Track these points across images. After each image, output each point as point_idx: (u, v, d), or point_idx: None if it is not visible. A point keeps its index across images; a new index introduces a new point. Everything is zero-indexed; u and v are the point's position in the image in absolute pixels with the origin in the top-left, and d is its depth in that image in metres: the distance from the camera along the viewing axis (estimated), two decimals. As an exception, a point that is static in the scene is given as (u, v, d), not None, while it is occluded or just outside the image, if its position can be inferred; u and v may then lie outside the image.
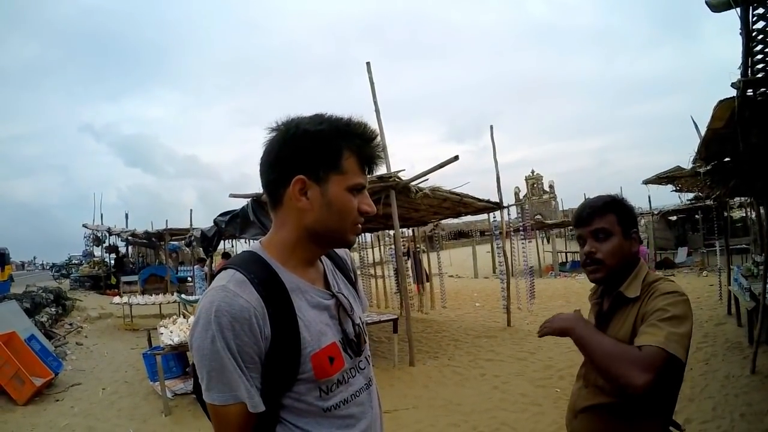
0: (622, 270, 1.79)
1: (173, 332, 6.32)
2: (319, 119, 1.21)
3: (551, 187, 52.23)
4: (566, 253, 29.91)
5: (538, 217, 26.76)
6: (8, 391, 6.43)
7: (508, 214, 12.28)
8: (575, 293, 14.23)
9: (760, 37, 2.54)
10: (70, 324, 12.26)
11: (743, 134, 3.55)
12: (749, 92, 3.12)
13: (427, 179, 7.68)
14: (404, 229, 13.66)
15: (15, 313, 8.65)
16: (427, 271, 14.18)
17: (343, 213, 1.23)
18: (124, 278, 19.26)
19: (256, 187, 7.15)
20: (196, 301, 11.90)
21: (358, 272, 1.57)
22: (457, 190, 8.78)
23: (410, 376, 6.82)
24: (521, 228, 13.13)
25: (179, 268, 21.62)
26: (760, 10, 2.31)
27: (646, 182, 9.29)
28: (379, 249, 16.02)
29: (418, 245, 15.06)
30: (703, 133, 4.66)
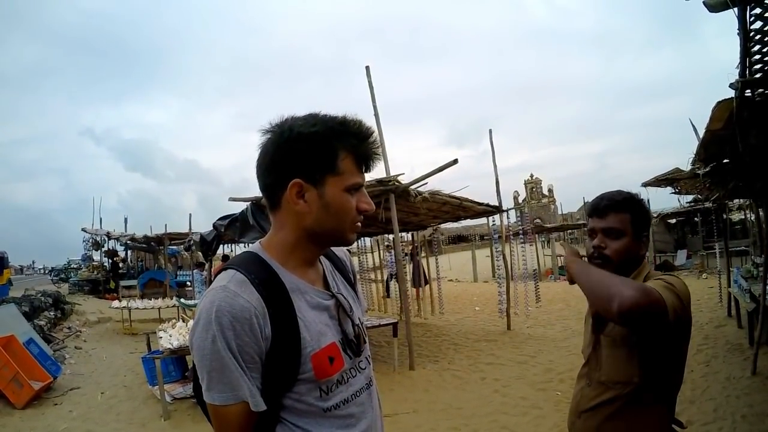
0: (626, 268, 1.78)
1: (172, 336, 6.31)
2: (312, 120, 1.21)
3: (550, 191, 52.27)
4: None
5: (537, 221, 26.75)
6: (6, 394, 6.40)
7: (507, 218, 12.27)
8: (575, 297, 14.18)
9: (757, 37, 2.55)
10: (69, 328, 12.23)
11: (742, 135, 3.55)
12: (747, 93, 3.12)
13: (427, 183, 7.69)
14: (403, 233, 13.66)
15: (14, 316, 8.62)
16: (426, 275, 14.17)
17: (341, 214, 1.23)
18: (123, 282, 19.25)
19: (256, 191, 7.12)
20: (195, 306, 11.86)
21: (357, 274, 1.56)
22: (457, 194, 8.78)
23: (410, 380, 6.81)
24: (520, 232, 13.12)
25: (178, 273, 21.60)
26: (758, 10, 2.31)
27: (645, 185, 9.28)
28: (379, 253, 16.01)
29: (418, 249, 15.04)
30: (701, 135, 4.66)
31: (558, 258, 26.99)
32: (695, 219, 22.35)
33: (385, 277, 15.14)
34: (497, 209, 10.50)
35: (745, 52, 2.59)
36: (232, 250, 17.30)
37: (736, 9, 2.22)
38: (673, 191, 9.82)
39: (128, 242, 20.71)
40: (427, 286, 13.71)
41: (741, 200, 11.94)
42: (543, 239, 31.71)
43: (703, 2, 2.21)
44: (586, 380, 1.88)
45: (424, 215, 10.27)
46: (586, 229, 2.22)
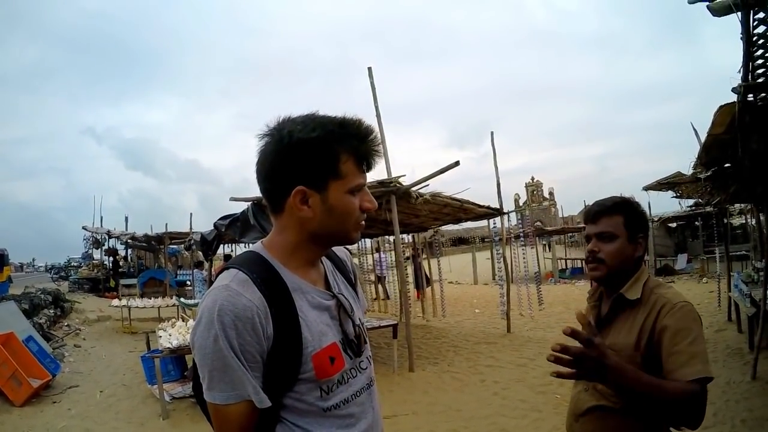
0: (622, 272, 1.80)
1: (172, 335, 6.30)
2: (311, 124, 1.19)
3: (551, 194, 52.32)
4: (566, 259, 29.97)
5: (538, 223, 26.77)
6: (5, 392, 6.41)
7: (508, 221, 12.28)
8: (575, 300, 14.21)
9: (760, 41, 2.54)
10: (69, 326, 12.24)
11: (743, 140, 3.55)
12: (750, 97, 3.11)
13: (428, 185, 7.70)
14: (404, 235, 13.66)
15: (13, 313, 8.64)
16: (428, 276, 14.17)
17: (345, 215, 1.23)
18: (123, 281, 19.25)
19: (257, 191, 7.11)
20: (195, 305, 11.87)
21: (358, 273, 1.56)
22: (458, 196, 8.78)
23: (410, 381, 6.80)
24: (521, 234, 13.12)
25: (178, 272, 21.64)
26: (761, 15, 2.31)
27: (647, 188, 9.30)
28: (379, 254, 16.01)
29: (419, 250, 15.04)
30: (703, 139, 4.65)
31: (558, 261, 27.02)
32: (696, 223, 22.36)
33: (389, 279, 15.17)
34: (498, 212, 10.49)
35: (748, 57, 2.59)
36: (232, 250, 17.32)
37: (739, 13, 2.22)
38: (675, 195, 9.82)
39: (129, 241, 20.73)
40: (429, 288, 13.72)
41: (742, 205, 11.94)
42: (544, 242, 31.71)
43: (707, 6, 2.21)
44: (583, 384, 1.87)
45: (425, 217, 10.27)
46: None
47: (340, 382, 1.25)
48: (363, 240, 14.52)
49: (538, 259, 17.93)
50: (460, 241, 49.20)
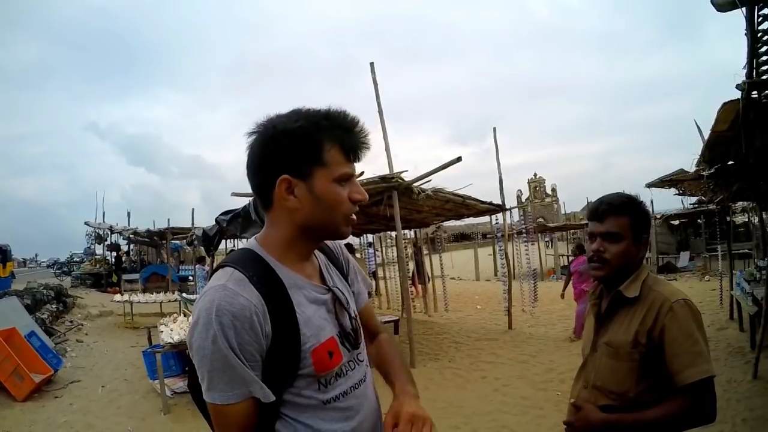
0: (624, 270, 1.81)
1: (173, 330, 6.32)
2: (295, 116, 1.21)
3: (554, 190, 52.17)
4: (568, 256, 29.95)
5: (540, 220, 26.74)
6: (7, 387, 6.42)
7: (510, 217, 12.28)
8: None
9: (765, 38, 2.52)
10: (71, 321, 12.26)
11: (747, 137, 3.53)
12: (754, 94, 3.10)
13: (430, 180, 7.69)
14: (406, 231, 13.66)
15: (15, 309, 8.66)
16: (428, 274, 14.18)
17: (333, 205, 1.23)
18: (125, 276, 19.29)
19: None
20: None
21: (350, 257, 1.56)
22: (460, 192, 8.77)
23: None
24: (523, 231, 13.12)
25: (180, 268, 21.69)
26: (766, 11, 2.29)
27: (650, 185, 9.28)
28: (381, 250, 16.00)
29: (420, 246, 15.03)
30: (706, 136, 4.64)
31: (560, 258, 26.99)
32: (698, 221, 22.33)
33: (390, 275, 15.17)
34: (500, 208, 10.49)
35: (753, 53, 2.58)
36: (235, 246, 17.31)
37: (743, 9, 2.20)
38: (677, 193, 9.81)
39: (131, 236, 20.79)
40: (429, 284, 13.72)
41: (745, 203, 11.91)
42: (547, 239, 31.68)
43: (711, 2, 2.20)
44: (582, 382, 1.91)
45: (426, 213, 10.27)
46: (586, 231, 2.22)
47: (338, 375, 1.26)
48: (365, 235, 14.53)
49: (540, 256, 17.94)
50: (462, 237, 49.14)
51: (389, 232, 14.15)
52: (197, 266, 15.01)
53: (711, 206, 10.71)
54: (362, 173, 7.15)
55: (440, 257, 13.64)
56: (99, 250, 23.91)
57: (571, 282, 9.31)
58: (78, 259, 28.17)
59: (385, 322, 7.68)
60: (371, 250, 15.66)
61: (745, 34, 2.37)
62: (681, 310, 1.66)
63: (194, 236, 12.62)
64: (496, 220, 10.99)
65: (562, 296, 9.98)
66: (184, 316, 7.78)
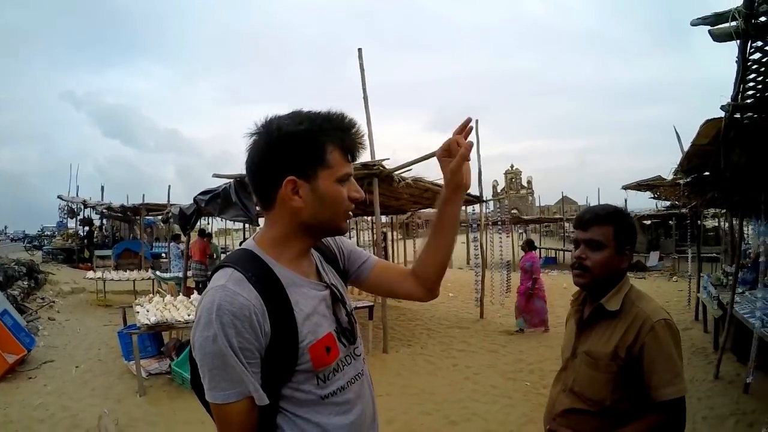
0: (606, 281, 1.85)
1: (150, 311, 6.29)
2: (298, 119, 1.24)
3: (529, 182, 52.65)
4: (540, 249, 30.34)
5: (515, 211, 26.98)
6: (-20, 368, 6.30)
7: (486, 208, 12.40)
8: (547, 289, 14.31)
9: (754, 67, 2.63)
10: (42, 298, 12.10)
11: (726, 152, 3.67)
12: (737, 115, 3.24)
13: (411, 169, 7.75)
14: (382, 217, 13.69)
15: (-13, 286, 8.52)
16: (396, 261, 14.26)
17: (335, 204, 1.27)
18: (97, 252, 19.01)
19: (239, 166, 7.07)
20: (172, 279, 11.83)
21: (343, 238, 1.59)
22: (439, 182, 8.83)
23: (383, 363, 6.90)
24: (498, 222, 13.26)
25: (154, 244, 21.45)
26: (759, 43, 2.39)
27: (626, 187, 9.48)
28: (356, 234, 16.03)
29: (386, 233, 15.04)
30: (685, 144, 4.79)
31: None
32: (670, 222, 22.70)
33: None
34: (478, 199, 10.59)
35: (741, 80, 2.69)
36: (209, 223, 17.18)
37: (738, 41, 2.30)
38: (652, 196, 10.02)
39: (104, 211, 20.41)
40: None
41: (716, 209, 12.20)
42: (520, 231, 32.01)
43: (709, 31, 2.29)
44: (561, 385, 1.95)
45: (405, 200, 10.34)
46: (571, 239, 2.29)
47: (335, 370, 1.30)
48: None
49: (513, 247, 18.13)
50: (437, 224, 49.28)
51: (365, 217, 14.20)
52: (172, 244, 14.91)
53: (683, 210, 10.92)
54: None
55: (414, 243, 13.73)
56: (71, 224, 23.50)
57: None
58: (49, 234, 27.68)
59: (359, 308, 7.73)
60: None
61: (737, 62, 2.47)
62: (662, 330, 1.70)
63: (170, 214, 12.51)
64: (473, 210, 11.09)
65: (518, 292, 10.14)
66: (160, 296, 7.76)
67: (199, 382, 1.20)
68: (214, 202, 7.97)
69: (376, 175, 7.36)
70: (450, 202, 1.45)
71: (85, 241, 21.17)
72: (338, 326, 1.34)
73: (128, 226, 23.48)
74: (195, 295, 7.03)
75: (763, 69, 2.67)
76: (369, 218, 14.51)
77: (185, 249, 11.90)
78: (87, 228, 22.11)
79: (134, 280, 12.97)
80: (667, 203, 13.81)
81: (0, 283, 9.92)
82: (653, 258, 21.63)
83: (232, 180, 7.27)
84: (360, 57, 7.70)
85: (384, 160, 7.38)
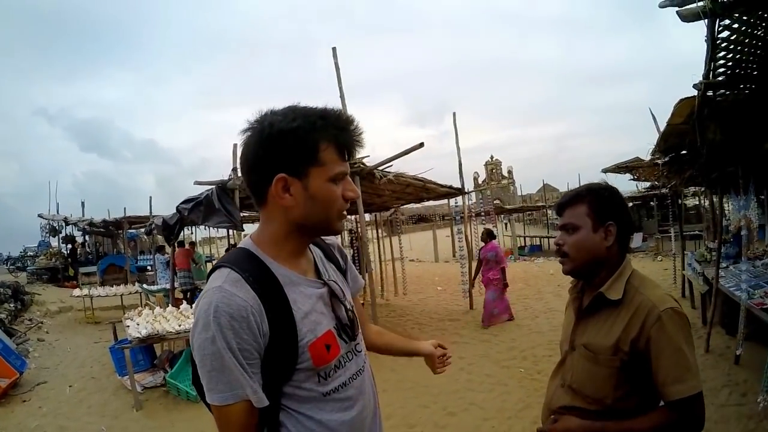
0: (594, 264, 1.72)
1: (140, 324, 6.25)
2: (292, 115, 1.22)
3: (510, 172, 52.79)
4: (525, 237, 30.58)
5: (497, 201, 27.16)
6: (-27, 394, 6.20)
7: (469, 199, 12.43)
8: (534, 276, 14.60)
9: (723, 45, 2.70)
10: (30, 320, 11.93)
11: (701, 130, 3.75)
12: (709, 93, 3.31)
13: (391, 165, 7.78)
14: (366, 215, 13.70)
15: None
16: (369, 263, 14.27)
17: (327, 204, 1.26)
18: (82, 269, 18.79)
19: (218, 172, 7.06)
20: (159, 291, 11.74)
21: (347, 254, 1.62)
22: (421, 176, 8.89)
23: (377, 359, 6.77)
24: (482, 213, 13.32)
25: (139, 257, 21.26)
26: (726, 22, 2.44)
27: (605, 171, 9.59)
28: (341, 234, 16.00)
29: (359, 233, 15.02)
30: (661, 125, 4.87)
31: (517, 239, 27.51)
32: (651, 203, 22.96)
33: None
34: (460, 191, 10.65)
35: (711, 58, 2.75)
36: (192, 233, 17.03)
37: (706, 20, 2.35)
38: (632, 178, 10.15)
39: (86, 227, 20.19)
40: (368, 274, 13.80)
41: (696, 187, 12.39)
42: (505, 220, 32.25)
43: (677, 12, 2.33)
44: (560, 380, 1.83)
45: (387, 197, 10.36)
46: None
47: (336, 367, 1.31)
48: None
49: (497, 237, 18.30)
50: (420, 219, 49.39)
51: (348, 216, 14.19)
52: (157, 255, 14.80)
53: (664, 190, 11.05)
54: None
55: (399, 239, 13.76)
56: (54, 242, 23.23)
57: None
58: (32, 254, 27.34)
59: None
60: None
61: (706, 41, 2.52)
62: (669, 321, 1.53)
63: (153, 225, 12.42)
64: (456, 202, 11.15)
65: (472, 285, 10.25)
66: (149, 308, 7.71)
67: (200, 382, 1.21)
68: (197, 210, 7.92)
69: (357, 172, 7.38)
70: (413, 355, 1.90)
71: (69, 259, 20.90)
72: (338, 323, 1.34)
73: (111, 240, 23.25)
74: (184, 305, 6.99)
75: (732, 47, 2.74)
76: (352, 217, 14.49)
77: (171, 258, 11.83)
78: (70, 245, 21.85)
79: (121, 295, 12.82)
80: (647, 184, 13.98)
81: (-14, 307, 9.78)
82: (637, 239, 21.82)
83: (213, 186, 7.24)
84: (335, 56, 7.70)
85: (364, 157, 7.39)
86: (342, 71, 7.63)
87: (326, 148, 1.23)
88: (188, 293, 11.31)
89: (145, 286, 13.08)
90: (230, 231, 9.33)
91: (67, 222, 21.08)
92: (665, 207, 15.35)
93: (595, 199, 1.71)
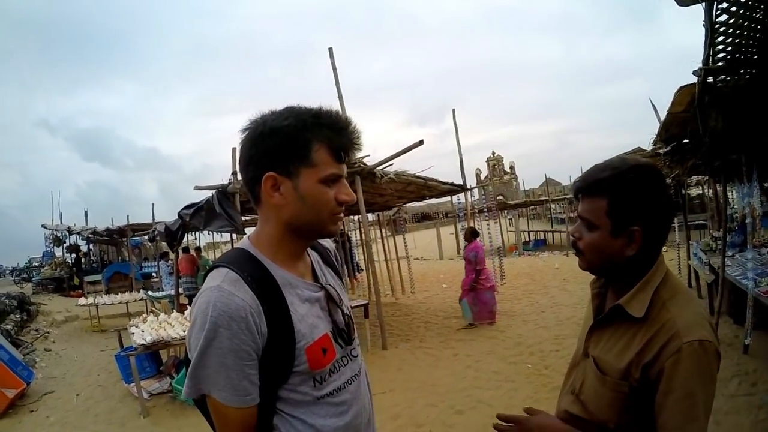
0: (614, 269, 1.41)
1: (145, 331, 6.25)
2: (286, 114, 1.21)
3: (512, 168, 52.84)
4: (529, 232, 30.56)
5: (500, 197, 27.13)
6: (-19, 406, 6.21)
7: (471, 196, 12.44)
8: (539, 271, 14.52)
9: (722, 29, 2.66)
10: (36, 330, 11.94)
11: (702, 118, 3.71)
12: (709, 79, 3.28)
13: (392, 164, 7.77)
14: (369, 214, 13.70)
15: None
16: (358, 265, 14.30)
17: (317, 205, 1.24)
18: (87, 278, 18.84)
19: (219, 178, 7.09)
20: (164, 297, 11.75)
21: (341, 261, 1.61)
22: (421, 174, 8.87)
23: (384, 359, 6.91)
24: (485, 209, 13.30)
25: (143, 264, 21.31)
26: (724, 5, 2.41)
27: (608, 163, 9.54)
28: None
29: (348, 235, 14.99)
30: (662, 115, 4.83)
31: (521, 234, 27.48)
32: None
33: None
34: (462, 188, 10.62)
35: (710, 43, 2.72)
36: (196, 238, 17.05)
37: (703, 3, 2.32)
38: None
39: (90, 236, 20.25)
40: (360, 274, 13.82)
41: (699, 176, 12.34)
42: (508, 216, 32.25)
43: None
44: (570, 385, 1.58)
45: (389, 196, 10.35)
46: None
47: (332, 372, 1.29)
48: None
49: (501, 233, 18.26)
50: (424, 218, 49.43)
51: (351, 216, 14.19)
52: (161, 262, 14.80)
53: (667, 180, 11.03)
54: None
55: (404, 238, 13.75)
56: (58, 252, 23.31)
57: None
58: (37, 264, 27.40)
59: (354, 307, 7.74)
60: None
61: (704, 25, 2.50)
62: (689, 357, 1.23)
63: (156, 232, 12.43)
64: (458, 199, 11.13)
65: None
66: (153, 314, 7.71)
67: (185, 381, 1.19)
68: (198, 215, 7.93)
69: (358, 173, 7.37)
70: None
71: (74, 268, 20.97)
72: (334, 327, 1.33)
73: (115, 248, 23.33)
74: (189, 311, 6.99)
75: (731, 31, 2.71)
76: (356, 217, 14.48)
77: (174, 264, 11.83)
78: (74, 255, 21.92)
79: (127, 303, 12.85)
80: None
81: (-8, 319, 9.79)
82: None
83: (214, 191, 7.24)
84: (331, 57, 7.68)
85: (365, 156, 7.38)
86: (344, 76, 7.63)
87: (319, 149, 1.21)
88: (192, 299, 11.30)
89: (149, 292, 13.09)
90: (233, 235, 9.33)
91: (70, 231, 21.14)
92: (669, 197, 15.26)
93: (619, 195, 1.31)
